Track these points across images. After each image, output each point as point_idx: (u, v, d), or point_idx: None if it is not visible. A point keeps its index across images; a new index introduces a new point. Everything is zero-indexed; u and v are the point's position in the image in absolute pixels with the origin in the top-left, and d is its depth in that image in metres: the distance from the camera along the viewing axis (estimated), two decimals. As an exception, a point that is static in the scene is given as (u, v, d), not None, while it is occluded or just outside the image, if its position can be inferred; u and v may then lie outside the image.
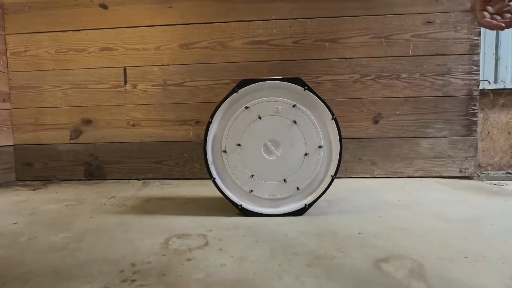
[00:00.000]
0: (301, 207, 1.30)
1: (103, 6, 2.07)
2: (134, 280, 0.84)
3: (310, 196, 1.31)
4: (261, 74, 2.01)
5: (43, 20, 2.14)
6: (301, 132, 1.28)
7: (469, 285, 0.79)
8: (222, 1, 2.03)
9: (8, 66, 2.16)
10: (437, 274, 0.84)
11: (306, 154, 1.29)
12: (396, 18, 1.96)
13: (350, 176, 2.04)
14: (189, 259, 0.96)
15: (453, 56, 1.94)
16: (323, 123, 1.29)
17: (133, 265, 0.93)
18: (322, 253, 0.98)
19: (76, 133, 2.16)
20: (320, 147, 1.28)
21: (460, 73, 1.95)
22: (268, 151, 1.30)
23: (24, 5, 2.15)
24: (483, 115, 2.17)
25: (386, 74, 1.98)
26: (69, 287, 0.83)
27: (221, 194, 1.33)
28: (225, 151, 1.31)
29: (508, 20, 0.84)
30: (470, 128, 1.97)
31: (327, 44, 2.00)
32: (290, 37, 2.01)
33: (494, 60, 2.16)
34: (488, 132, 2.19)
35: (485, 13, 0.85)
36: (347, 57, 1.99)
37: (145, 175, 2.14)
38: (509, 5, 0.83)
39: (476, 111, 1.96)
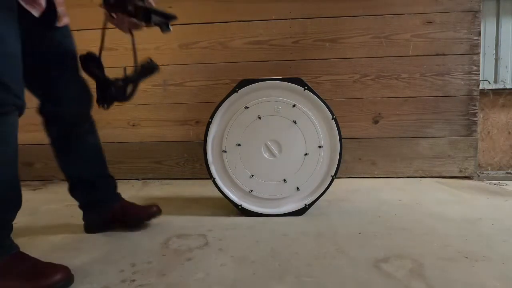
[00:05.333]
0: (301, 207, 1.31)
1: (103, 6, 2.07)
2: (134, 280, 0.84)
3: (310, 196, 1.31)
4: (261, 74, 2.01)
5: (43, 20, 2.13)
6: (301, 132, 1.28)
7: (469, 285, 0.79)
8: (222, 1, 2.03)
9: (8, 66, 2.16)
10: (437, 274, 0.84)
11: (306, 154, 1.29)
12: (396, 18, 1.96)
13: (350, 176, 2.04)
14: (189, 259, 0.96)
15: (453, 56, 1.94)
16: (323, 123, 1.29)
17: (133, 265, 0.93)
18: (322, 253, 0.98)
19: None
20: (320, 147, 1.28)
21: (460, 73, 1.95)
22: (268, 151, 1.30)
23: (24, 5, 2.15)
24: (483, 115, 2.17)
25: (386, 74, 1.98)
26: (69, 287, 0.83)
27: (221, 194, 1.33)
28: (225, 151, 1.31)
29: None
30: (470, 128, 1.97)
31: (327, 44, 2.00)
32: (290, 37, 2.01)
33: (494, 60, 2.16)
34: (488, 132, 2.19)
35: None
36: (347, 57, 1.99)
37: (145, 175, 2.14)
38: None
39: (476, 111, 1.95)
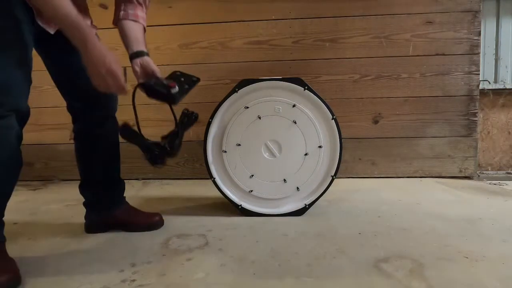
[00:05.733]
0: (301, 207, 1.31)
1: (103, 6, 2.07)
2: (134, 280, 0.84)
3: (310, 196, 1.31)
4: (261, 74, 2.00)
5: (43, 20, 2.13)
6: (301, 132, 1.28)
7: (469, 285, 0.79)
8: (222, 1, 2.03)
9: (8, 66, 2.15)
10: (437, 274, 0.84)
11: (306, 154, 1.29)
12: (396, 18, 1.96)
13: (350, 176, 2.04)
14: (189, 259, 0.96)
15: (453, 56, 1.94)
16: (323, 123, 1.29)
17: (133, 265, 0.93)
18: (322, 253, 0.98)
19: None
20: (320, 147, 1.28)
21: (460, 73, 1.95)
22: (268, 151, 1.30)
23: (24, 5, 2.15)
24: (483, 115, 2.17)
25: (386, 74, 1.98)
26: (69, 287, 0.83)
27: (221, 194, 1.33)
28: (225, 151, 1.31)
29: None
30: (470, 128, 1.97)
31: (327, 44, 1.99)
32: (290, 37, 2.01)
33: (494, 60, 2.16)
34: (488, 132, 2.19)
35: None
36: (347, 57, 1.99)
37: (145, 175, 2.14)
38: None
39: (476, 111, 1.95)
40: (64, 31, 0.86)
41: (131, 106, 1.09)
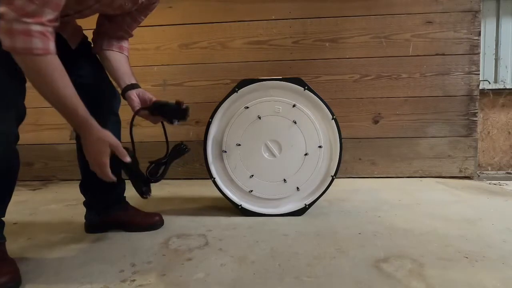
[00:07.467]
0: (301, 207, 1.30)
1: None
2: (134, 280, 0.84)
3: (310, 196, 1.31)
4: (261, 74, 2.01)
5: (43, 20, 2.13)
6: (301, 132, 1.28)
7: (469, 285, 0.79)
8: (222, 1, 2.03)
9: (8, 66, 2.15)
10: (437, 274, 0.84)
11: (306, 154, 1.29)
12: (396, 18, 1.96)
13: (350, 176, 2.04)
14: (189, 259, 0.96)
15: (453, 56, 1.94)
16: (323, 123, 1.29)
17: (133, 265, 0.93)
18: (322, 253, 0.98)
19: (76, 133, 2.15)
20: (320, 147, 1.28)
21: (460, 73, 1.95)
22: (268, 151, 1.30)
23: (24, 5, 2.14)
24: (483, 115, 2.17)
25: (386, 74, 1.98)
26: (69, 287, 0.83)
27: (221, 194, 1.33)
28: (225, 151, 1.31)
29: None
30: (470, 128, 1.97)
31: (327, 44, 2.00)
32: (290, 37, 2.01)
33: (494, 60, 2.16)
34: (488, 132, 2.19)
35: None
36: (347, 57, 1.99)
37: (145, 175, 2.13)
38: None
39: (476, 111, 1.95)
40: (61, 113, 0.88)
41: (127, 106, 1.09)
